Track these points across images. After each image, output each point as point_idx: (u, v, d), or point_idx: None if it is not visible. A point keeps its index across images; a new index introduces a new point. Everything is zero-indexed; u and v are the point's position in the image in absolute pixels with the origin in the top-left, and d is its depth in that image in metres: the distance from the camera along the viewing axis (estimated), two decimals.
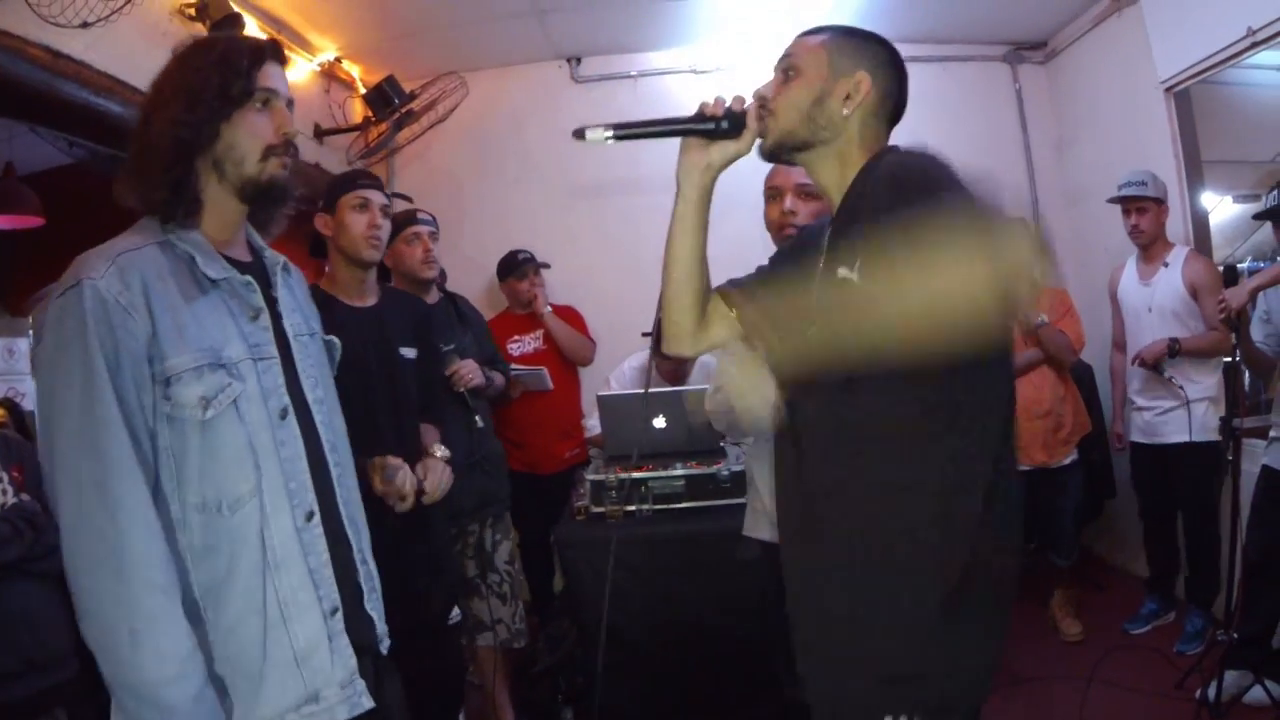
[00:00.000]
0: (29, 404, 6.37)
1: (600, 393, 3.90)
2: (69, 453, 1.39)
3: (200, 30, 3.71)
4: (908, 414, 1.48)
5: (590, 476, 3.53)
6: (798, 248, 1.87)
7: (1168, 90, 4.52)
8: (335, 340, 1.89)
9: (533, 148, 5.54)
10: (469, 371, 3.44)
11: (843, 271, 1.51)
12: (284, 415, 1.59)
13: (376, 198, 2.83)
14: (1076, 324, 4.34)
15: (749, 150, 1.70)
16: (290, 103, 1.67)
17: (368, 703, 1.61)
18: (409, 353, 2.92)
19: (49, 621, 2.68)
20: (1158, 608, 4.39)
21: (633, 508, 3.45)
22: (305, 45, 4.82)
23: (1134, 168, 4.26)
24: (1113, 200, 4.27)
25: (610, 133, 1.62)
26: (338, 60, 5.05)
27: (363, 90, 5.08)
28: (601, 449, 3.88)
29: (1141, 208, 4.17)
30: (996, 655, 1.56)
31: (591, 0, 4.85)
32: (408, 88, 4.78)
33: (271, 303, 1.67)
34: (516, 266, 4.61)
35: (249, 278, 1.62)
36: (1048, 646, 4.30)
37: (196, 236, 1.58)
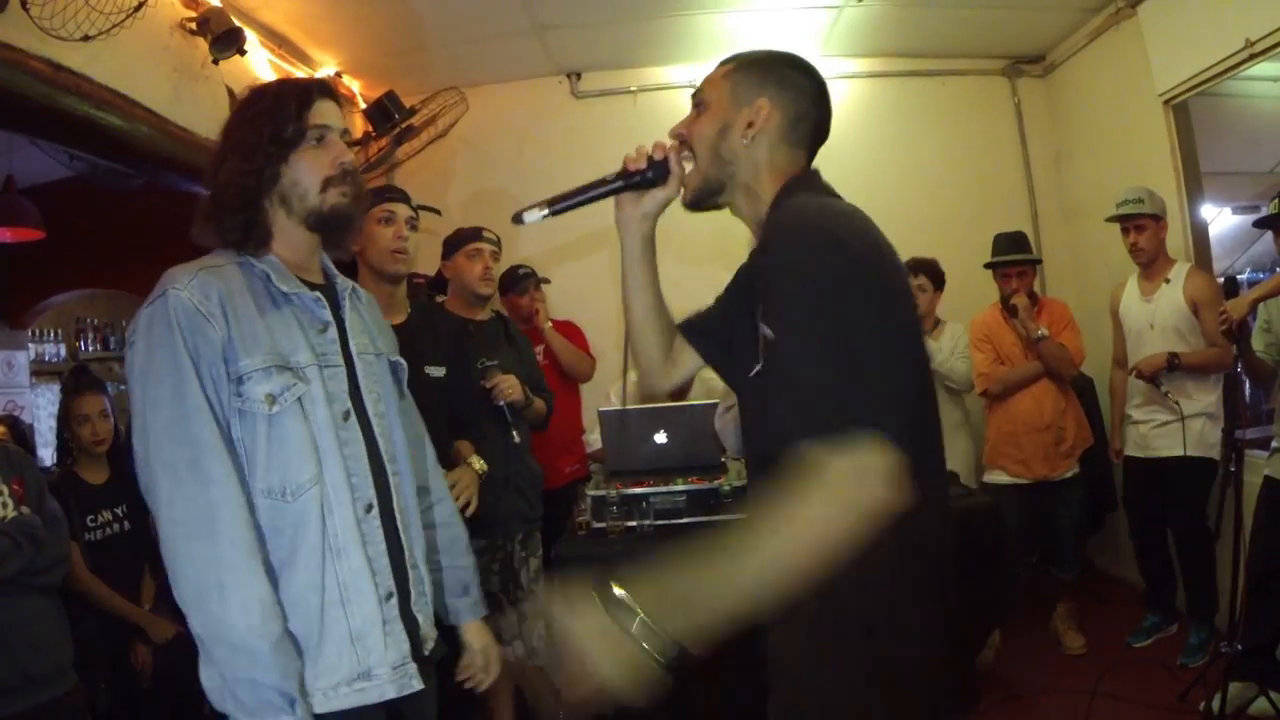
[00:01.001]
0: (28, 417, 6.39)
1: (601, 408, 3.90)
2: (164, 441, 1.56)
3: (201, 44, 3.73)
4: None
5: (591, 492, 3.51)
6: (745, 276, 1.86)
7: (1166, 102, 4.54)
8: (402, 362, 2.03)
9: (533, 163, 5.55)
10: (509, 386, 3.41)
11: (764, 329, 1.47)
12: (346, 417, 1.75)
13: (402, 210, 2.84)
14: (1076, 337, 4.35)
15: (678, 193, 1.71)
16: (345, 132, 1.83)
17: (417, 684, 1.74)
18: (436, 372, 2.91)
19: (48, 636, 2.67)
20: (1160, 620, 4.38)
21: (634, 523, 3.44)
22: (306, 60, 4.83)
23: (1133, 181, 4.28)
24: (1110, 219, 4.28)
25: (545, 210, 1.65)
26: (338, 75, 5.06)
27: (363, 105, 5.10)
28: (602, 464, 3.87)
29: (1140, 225, 4.17)
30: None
31: (592, 16, 4.87)
32: (408, 103, 4.79)
33: (339, 322, 1.83)
34: (518, 282, 4.59)
35: (319, 294, 1.79)
36: (1050, 660, 4.29)
37: (272, 259, 1.75)
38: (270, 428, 1.63)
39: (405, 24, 4.67)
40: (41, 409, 6.84)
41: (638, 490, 3.45)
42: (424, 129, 4.89)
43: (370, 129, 4.89)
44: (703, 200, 1.68)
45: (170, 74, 3.60)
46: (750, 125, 1.60)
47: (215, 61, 3.78)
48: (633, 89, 5.64)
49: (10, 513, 2.65)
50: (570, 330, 4.88)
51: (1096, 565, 5.36)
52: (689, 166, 1.68)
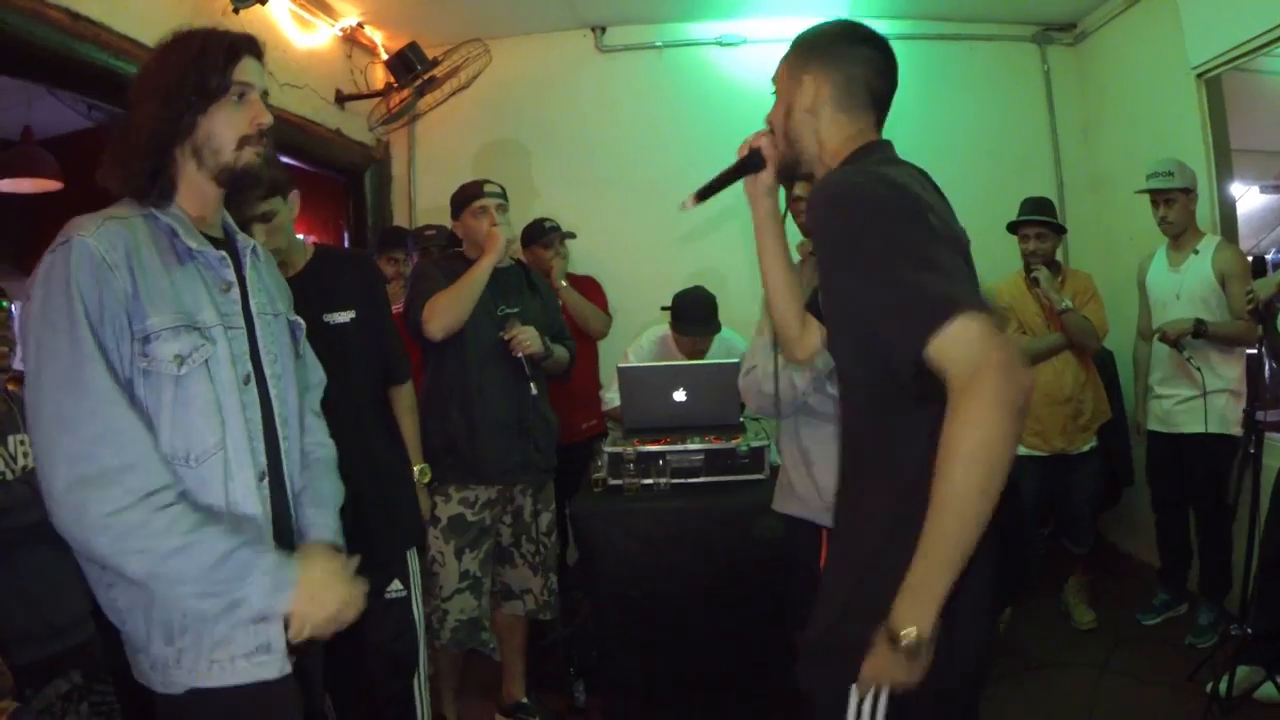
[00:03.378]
0: None
1: (620, 365, 3.88)
2: (54, 389, 1.50)
3: None
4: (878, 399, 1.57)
5: (608, 449, 3.52)
6: None
7: (1199, 76, 4.46)
8: (300, 321, 2.00)
9: (556, 116, 5.51)
10: (527, 338, 3.41)
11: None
12: (247, 381, 1.73)
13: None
14: (1100, 310, 4.29)
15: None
16: (265, 93, 1.78)
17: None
18: (340, 317, 2.80)
19: (66, 585, 2.67)
20: (1170, 599, 4.37)
21: (650, 481, 3.44)
22: (328, 11, 4.78)
23: (1161, 154, 4.20)
24: (1140, 192, 4.22)
25: (695, 202, 1.90)
26: (360, 26, 5.01)
27: (385, 56, 5.05)
28: (619, 421, 3.86)
29: (1169, 198, 4.11)
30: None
31: None
32: (430, 54, 4.73)
33: (241, 281, 1.80)
34: (542, 234, 4.55)
35: (223, 253, 1.76)
36: (1060, 634, 4.31)
37: (176, 211, 1.71)
38: (176, 390, 1.60)
39: None
40: None
41: (655, 448, 3.47)
42: (446, 81, 4.83)
43: (392, 80, 4.84)
44: (785, 177, 1.87)
45: (190, 23, 3.56)
46: (803, 104, 1.71)
47: (236, 11, 3.74)
48: (658, 44, 5.54)
49: (32, 463, 2.67)
50: (590, 285, 4.86)
51: (1110, 540, 5.36)
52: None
